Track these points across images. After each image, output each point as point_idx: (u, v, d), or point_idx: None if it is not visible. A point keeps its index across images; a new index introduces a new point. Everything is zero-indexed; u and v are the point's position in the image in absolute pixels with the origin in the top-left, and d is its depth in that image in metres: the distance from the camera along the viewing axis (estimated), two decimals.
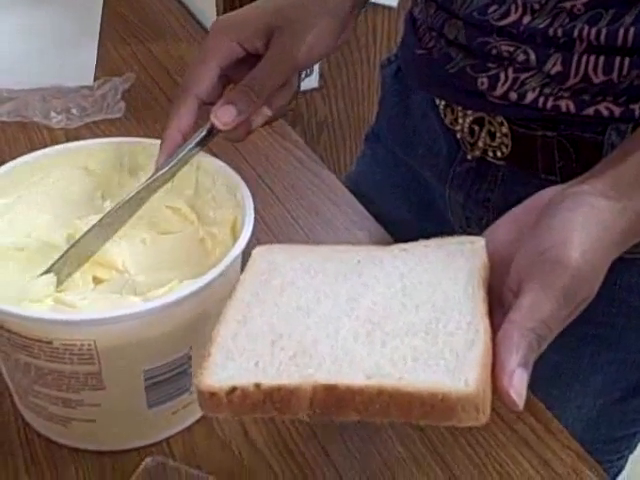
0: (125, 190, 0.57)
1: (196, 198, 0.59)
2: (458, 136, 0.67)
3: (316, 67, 1.34)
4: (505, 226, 0.46)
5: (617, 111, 0.57)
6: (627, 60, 0.55)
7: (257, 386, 0.37)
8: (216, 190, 0.58)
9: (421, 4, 0.69)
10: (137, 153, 0.60)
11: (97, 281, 0.53)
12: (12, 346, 0.48)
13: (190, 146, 0.55)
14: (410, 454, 0.53)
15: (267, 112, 0.58)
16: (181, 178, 0.57)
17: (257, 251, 0.47)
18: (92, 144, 0.61)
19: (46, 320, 0.46)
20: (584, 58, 0.56)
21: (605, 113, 0.57)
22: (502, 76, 0.60)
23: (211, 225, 0.57)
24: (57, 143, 0.61)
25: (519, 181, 0.63)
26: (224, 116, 0.55)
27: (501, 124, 0.63)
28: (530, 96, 0.59)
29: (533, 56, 0.58)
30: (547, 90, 0.59)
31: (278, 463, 0.52)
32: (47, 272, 0.52)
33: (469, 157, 0.67)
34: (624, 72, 0.55)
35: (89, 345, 0.46)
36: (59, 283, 0.52)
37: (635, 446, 0.79)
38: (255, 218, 0.51)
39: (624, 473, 0.81)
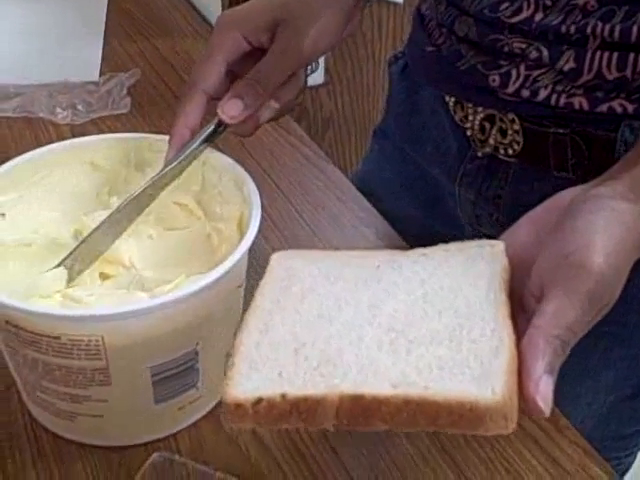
0: (132, 186, 0.57)
1: (203, 194, 0.58)
2: (468, 133, 0.67)
3: (321, 63, 1.34)
4: (525, 227, 0.46)
5: (630, 108, 0.57)
6: None
7: (283, 397, 0.36)
8: (223, 186, 0.57)
9: (430, 1, 0.69)
10: (143, 149, 0.60)
11: (104, 277, 0.53)
12: (20, 342, 0.47)
13: (198, 142, 0.55)
14: (419, 452, 0.52)
15: (275, 105, 0.58)
16: (188, 174, 0.57)
17: (275, 257, 0.46)
18: (98, 140, 0.60)
19: (54, 316, 0.46)
20: (597, 55, 0.56)
21: (619, 110, 0.57)
22: (514, 73, 0.60)
23: (218, 221, 0.57)
24: (63, 139, 0.60)
25: (530, 178, 0.63)
26: (231, 110, 0.55)
27: (512, 121, 0.62)
28: (543, 93, 0.59)
29: (546, 53, 0.58)
30: (560, 87, 0.58)
31: (285, 459, 0.52)
32: (57, 267, 0.51)
33: (479, 154, 0.67)
34: (638, 69, 0.55)
35: (97, 341, 0.46)
36: (70, 280, 0.52)
37: None
38: (261, 214, 0.51)
39: (632, 470, 0.81)
